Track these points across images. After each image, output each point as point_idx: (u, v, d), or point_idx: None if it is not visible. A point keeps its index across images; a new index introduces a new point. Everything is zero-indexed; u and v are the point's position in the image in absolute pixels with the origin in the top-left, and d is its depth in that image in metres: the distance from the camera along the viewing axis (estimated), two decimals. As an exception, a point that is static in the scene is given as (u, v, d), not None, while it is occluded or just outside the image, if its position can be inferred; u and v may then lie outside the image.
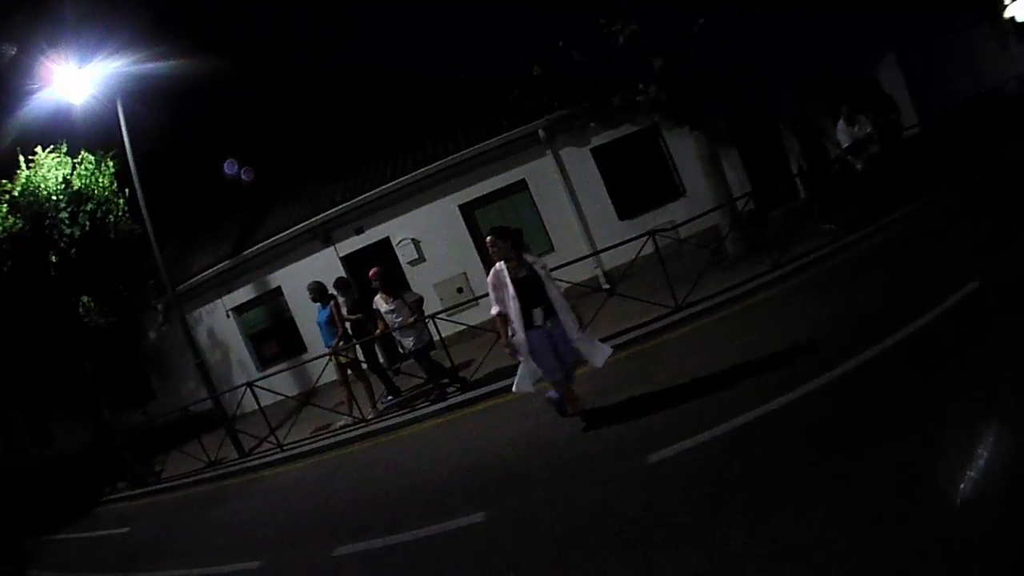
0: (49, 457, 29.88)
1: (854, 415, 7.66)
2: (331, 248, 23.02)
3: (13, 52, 22.37)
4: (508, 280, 9.51)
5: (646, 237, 15.06)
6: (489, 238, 9.74)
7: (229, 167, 26.96)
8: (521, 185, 21.22)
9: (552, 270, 14.52)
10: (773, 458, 7.26)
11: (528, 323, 9.50)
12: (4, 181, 21.17)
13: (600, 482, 8.16)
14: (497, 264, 9.72)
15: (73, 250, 21.14)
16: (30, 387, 30.96)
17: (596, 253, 18.20)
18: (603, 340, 12.61)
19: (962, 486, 5.94)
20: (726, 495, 6.85)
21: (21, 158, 20.93)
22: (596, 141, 20.41)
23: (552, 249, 20.81)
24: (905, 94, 18.87)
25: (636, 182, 20.55)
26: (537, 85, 18.73)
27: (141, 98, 19.88)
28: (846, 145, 16.46)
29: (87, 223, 21.25)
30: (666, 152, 20.30)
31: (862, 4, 17.39)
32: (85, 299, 21.81)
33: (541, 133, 20.10)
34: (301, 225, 22.76)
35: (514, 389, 9.80)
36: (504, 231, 9.83)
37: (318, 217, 22.50)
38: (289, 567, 9.97)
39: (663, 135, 20.04)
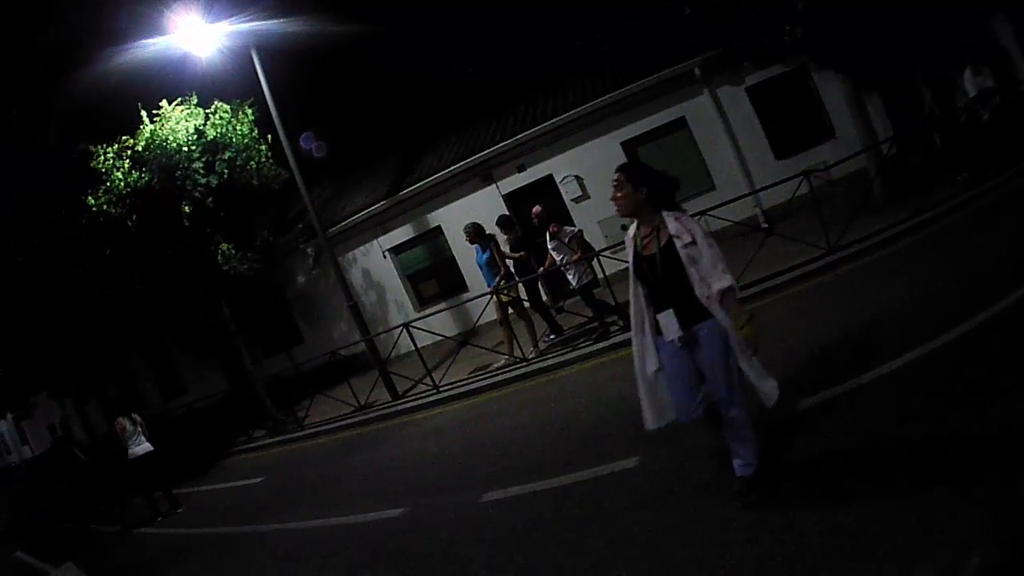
0: (180, 410, 32.12)
1: (990, 366, 7.81)
2: (493, 186, 23.84)
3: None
4: (631, 256, 6.80)
5: (800, 178, 15.76)
6: (616, 176, 6.67)
7: (306, 141, 27.47)
8: (681, 123, 21.69)
9: (713, 208, 15.88)
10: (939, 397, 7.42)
11: (656, 331, 6.80)
12: (126, 137, 22.00)
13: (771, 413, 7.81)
14: (631, 227, 6.91)
15: (210, 199, 21.98)
16: (157, 340, 34.08)
17: (754, 192, 18.76)
18: (762, 280, 14.38)
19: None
20: (885, 441, 6.98)
21: (143, 113, 21.73)
22: (750, 80, 20.90)
23: (713, 187, 21.33)
24: (1017, 49, 19.17)
25: (790, 122, 21.03)
26: (689, 24, 19.26)
27: (276, 50, 20.92)
28: (973, 95, 16.86)
29: (225, 171, 22.10)
30: (816, 94, 20.74)
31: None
32: (225, 246, 22.49)
33: (697, 71, 20.59)
34: (461, 164, 23.61)
35: (647, 425, 7.03)
36: (639, 171, 6.82)
37: (479, 155, 23.28)
38: (434, 514, 10.34)
39: (812, 77, 20.53)
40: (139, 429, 18.97)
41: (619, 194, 6.48)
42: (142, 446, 18.87)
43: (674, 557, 6.36)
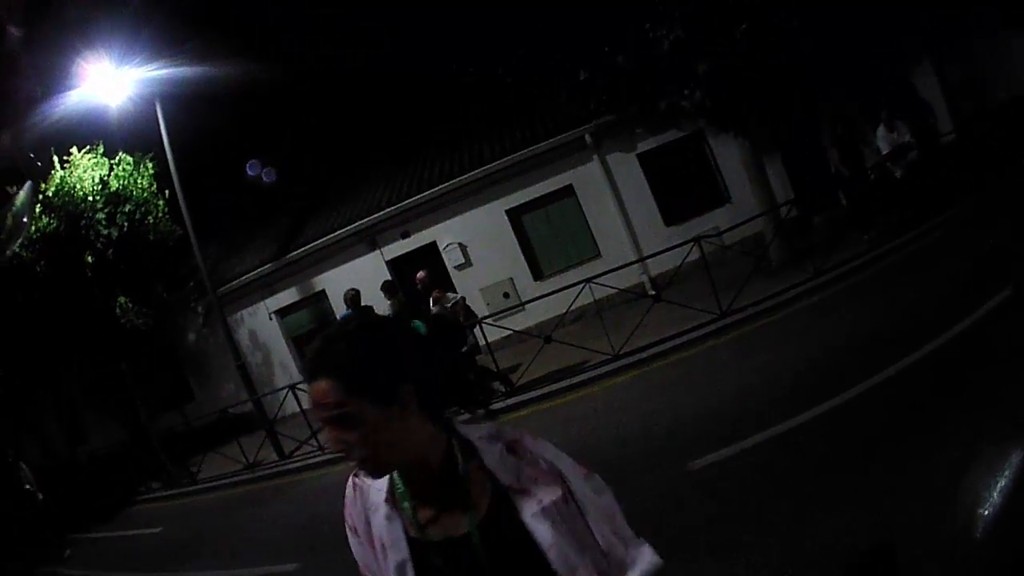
0: (82, 457, 31.38)
1: (889, 423, 7.95)
2: (377, 252, 23.61)
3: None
4: (385, 547, 2.60)
5: (691, 243, 15.51)
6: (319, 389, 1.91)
7: (252, 168, 27.61)
8: (568, 191, 21.58)
9: (598, 276, 16.01)
10: (812, 465, 7.55)
11: None
12: (38, 181, 21.72)
13: (642, 489, 8.24)
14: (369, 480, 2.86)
15: (110, 251, 21.83)
16: (65, 387, 31.68)
17: (642, 259, 18.78)
18: (649, 347, 14.13)
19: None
20: (764, 501, 7.14)
21: (55, 159, 21.72)
22: (642, 147, 20.69)
23: (599, 255, 21.17)
24: (941, 100, 19.16)
25: (682, 188, 20.86)
26: (583, 90, 19.32)
27: (179, 101, 20.59)
28: (885, 152, 16.73)
29: (125, 224, 21.96)
30: (711, 158, 20.64)
31: (896, 8, 17.52)
32: (122, 300, 22.31)
33: (588, 138, 20.43)
34: (346, 229, 23.43)
35: None
36: (365, 355, 2.36)
37: (364, 220, 23.13)
38: (328, 570, 10.01)
39: (708, 141, 20.37)
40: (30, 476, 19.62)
41: (339, 434, 2.28)
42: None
43: None
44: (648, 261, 18.95)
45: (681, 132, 20.27)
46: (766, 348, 12.53)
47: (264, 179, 25.05)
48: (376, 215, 22.96)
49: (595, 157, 20.82)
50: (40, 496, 20.07)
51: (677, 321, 14.83)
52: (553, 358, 15.93)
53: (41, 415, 36.84)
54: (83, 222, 21.65)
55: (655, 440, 9.89)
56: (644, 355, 14.15)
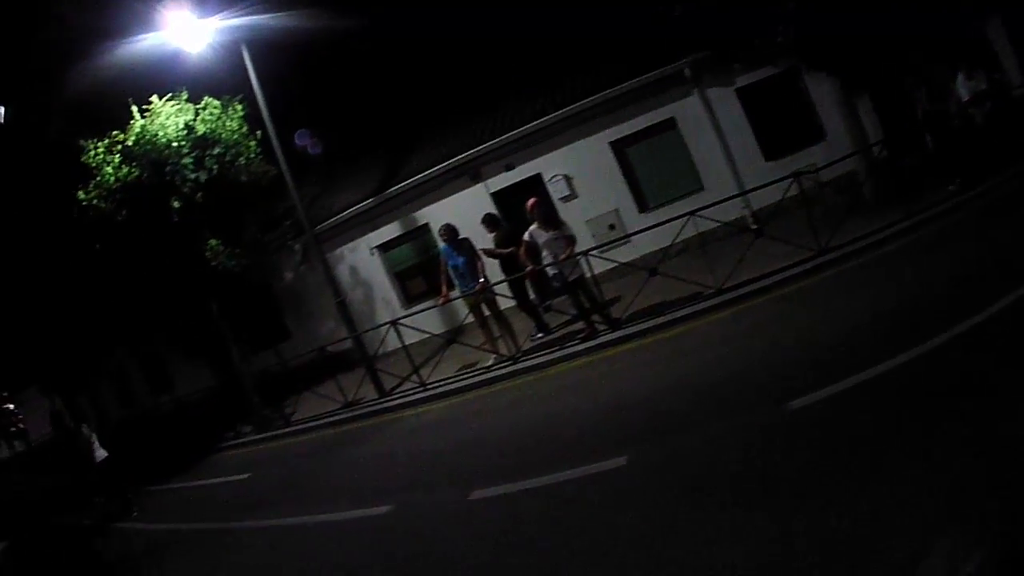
0: (167, 405, 32.56)
1: (984, 371, 7.83)
2: (481, 184, 23.95)
3: None
4: None
5: (790, 179, 15.81)
6: None
7: (301, 138, 27.06)
8: (670, 123, 21.75)
9: (701, 209, 16.13)
10: (907, 411, 7.42)
11: None
12: (116, 132, 21.91)
13: (741, 428, 8.47)
14: None
15: (199, 194, 21.88)
16: (149, 335, 33.71)
17: (743, 193, 18.72)
18: (751, 282, 14.45)
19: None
20: (859, 447, 7.06)
21: (134, 108, 21.65)
22: (741, 82, 20.91)
23: (702, 188, 21.39)
24: (1011, 55, 19.33)
25: (780, 124, 20.99)
26: (679, 24, 19.13)
27: (266, 45, 20.78)
28: (966, 98, 16.87)
29: (214, 167, 22.01)
30: (807, 95, 20.79)
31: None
32: (213, 242, 22.45)
33: (687, 72, 20.65)
34: (450, 162, 23.76)
35: None
36: None
37: (467, 154, 23.44)
38: (421, 512, 10.38)
39: (804, 78, 20.53)
40: (94, 436, 19.15)
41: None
42: (100, 452, 18.95)
43: (662, 557, 6.37)
44: (750, 195, 18.97)
45: (776, 68, 20.39)
46: (864, 287, 12.75)
47: (310, 151, 25.24)
48: (480, 147, 23.24)
49: (695, 91, 21.07)
50: (102, 454, 19.05)
51: (777, 257, 15.01)
52: (658, 291, 15.98)
53: (123, 366, 40.78)
54: (168, 168, 21.75)
55: (754, 378, 9.98)
56: (746, 290, 14.32)
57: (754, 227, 19.15)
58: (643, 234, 18.41)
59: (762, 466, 7.37)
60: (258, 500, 15.22)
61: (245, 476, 18.19)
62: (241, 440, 23.35)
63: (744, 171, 21.10)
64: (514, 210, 19.25)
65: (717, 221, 17.16)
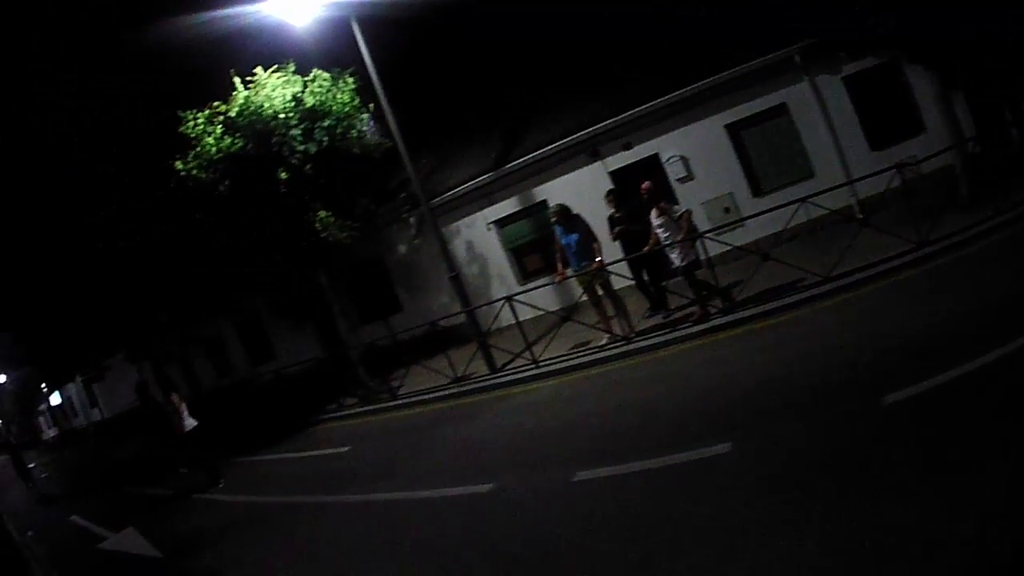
0: (267, 375, 32.86)
1: None
2: (599, 162, 24.51)
3: None
4: None
5: (893, 170, 16.20)
6: None
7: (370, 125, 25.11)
8: (782, 109, 22.20)
9: (813, 195, 16.55)
10: (1008, 407, 7.46)
11: None
12: (217, 103, 22.47)
13: (842, 419, 8.64)
14: None
15: (308, 166, 22.43)
16: (256, 303, 35.21)
17: (851, 182, 19.24)
18: (856, 271, 14.81)
19: None
20: (956, 442, 7.11)
21: (237, 80, 22.19)
22: (847, 70, 21.25)
23: (812, 175, 21.83)
24: None
25: (884, 114, 21.21)
26: (789, 10, 20.14)
27: (376, 17, 20.94)
28: None
29: (324, 139, 22.52)
30: (908, 87, 20.93)
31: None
32: (323, 214, 22.71)
33: (797, 58, 21.08)
34: (568, 139, 24.37)
35: None
36: None
37: (586, 131, 24.05)
38: (524, 492, 10.49)
39: (905, 70, 20.73)
40: (184, 405, 19.61)
41: None
42: (189, 421, 19.44)
43: (762, 548, 6.52)
44: (855, 184, 19.47)
45: (878, 59, 20.86)
46: (962, 281, 13.00)
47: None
48: (598, 125, 23.83)
49: (804, 78, 21.47)
50: (191, 424, 19.44)
51: (880, 248, 15.33)
52: (769, 276, 16.40)
53: (220, 335, 42.14)
54: (274, 139, 22.23)
55: (856, 369, 10.19)
56: (851, 280, 14.67)
57: (860, 216, 19.49)
58: (756, 219, 19.22)
59: (862, 459, 7.51)
60: (356, 474, 15.67)
61: (345, 449, 18.78)
62: (344, 413, 23.92)
63: (851, 160, 21.36)
64: (633, 189, 18.43)
65: (826, 208, 17.56)
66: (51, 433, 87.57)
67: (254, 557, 12.63)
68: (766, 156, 23.17)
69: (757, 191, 23.14)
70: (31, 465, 36.89)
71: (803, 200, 16.51)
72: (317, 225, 22.73)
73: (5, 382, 75.68)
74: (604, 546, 7.74)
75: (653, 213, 16.72)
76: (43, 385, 75.06)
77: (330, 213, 22.88)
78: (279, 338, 36.86)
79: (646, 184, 17.35)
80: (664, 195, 18.20)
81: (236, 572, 12.11)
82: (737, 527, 7.01)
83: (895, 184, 16.75)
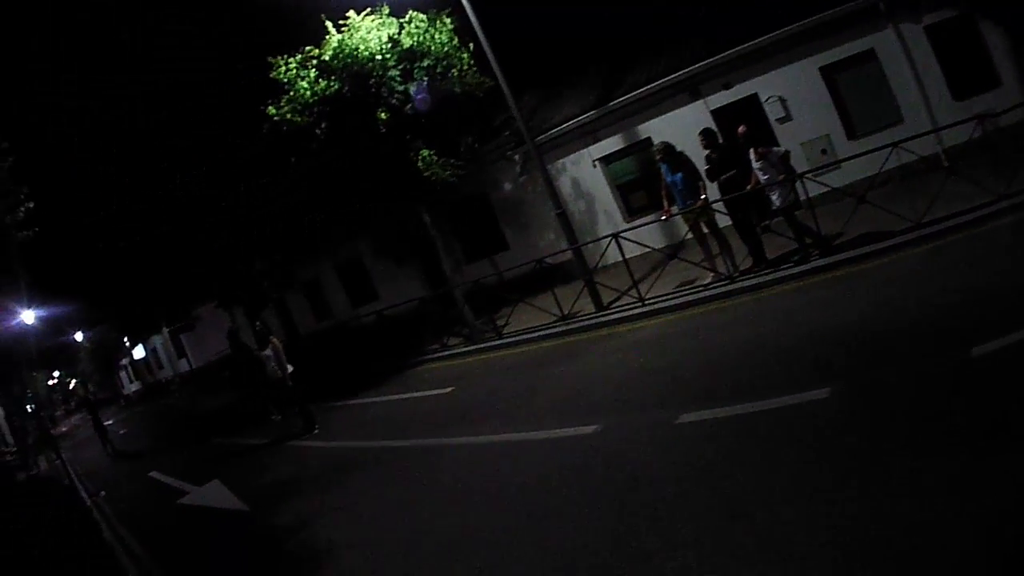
0: (370, 316, 33.45)
1: None
2: (700, 101, 25.52)
3: None
4: None
5: (975, 120, 17.12)
6: None
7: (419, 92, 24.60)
8: (871, 55, 22.79)
9: (903, 141, 16.85)
10: None
11: None
12: (310, 47, 23.51)
13: (935, 367, 8.74)
14: None
15: (408, 106, 23.18)
16: (358, 244, 36.66)
17: (937, 130, 19.43)
18: (943, 219, 15.14)
19: None
20: None
21: (329, 24, 22.89)
22: (928, 20, 21.77)
23: (901, 120, 22.49)
24: None
25: (963, 65, 21.76)
26: None
27: None
28: None
29: (424, 79, 23.23)
30: (983, 41, 21.38)
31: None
32: (425, 153, 23.35)
33: (881, 5, 21.72)
34: (670, 77, 25.45)
35: None
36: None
37: (686, 71, 25.12)
38: (629, 433, 10.62)
39: (979, 24, 21.23)
40: (281, 351, 20.13)
41: None
42: (288, 366, 20.04)
43: (857, 502, 6.59)
44: (941, 133, 19.82)
45: (954, 11, 21.39)
46: None
47: (418, 107, 23.94)
48: (698, 65, 24.83)
49: (889, 25, 22.09)
50: (287, 369, 19.90)
51: (965, 197, 15.59)
52: (863, 220, 16.71)
53: (318, 278, 43.98)
54: (372, 81, 22.94)
55: (945, 320, 10.37)
56: (941, 227, 14.97)
57: (946, 164, 19.75)
58: (850, 162, 19.34)
59: (956, 410, 7.60)
60: (460, 416, 15.98)
61: (448, 390, 19.09)
62: (448, 353, 24.75)
63: (936, 108, 21.87)
64: (732, 128, 19.64)
65: (915, 154, 18.31)
66: (133, 388, 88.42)
67: (349, 506, 12.88)
68: (858, 100, 23.62)
69: (851, 134, 23.67)
70: (109, 422, 38.23)
71: (895, 145, 16.81)
72: (420, 164, 23.46)
73: (83, 340, 76.41)
74: (705, 493, 7.95)
75: (752, 155, 17.28)
76: (124, 340, 75.89)
77: (433, 152, 23.65)
78: (381, 279, 38.49)
79: (742, 128, 18.28)
80: (761, 138, 18.81)
81: (327, 524, 12.29)
82: (837, 477, 7.19)
83: (976, 135, 17.86)
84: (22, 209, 20.60)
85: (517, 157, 29.18)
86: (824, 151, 23.71)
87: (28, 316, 34.37)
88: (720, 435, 9.30)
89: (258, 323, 22.27)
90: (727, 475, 8.13)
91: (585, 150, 28.62)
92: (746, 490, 7.62)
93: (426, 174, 23.55)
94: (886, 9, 21.99)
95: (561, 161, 29.06)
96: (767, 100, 24.50)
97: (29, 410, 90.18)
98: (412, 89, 23.21)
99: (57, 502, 24.19)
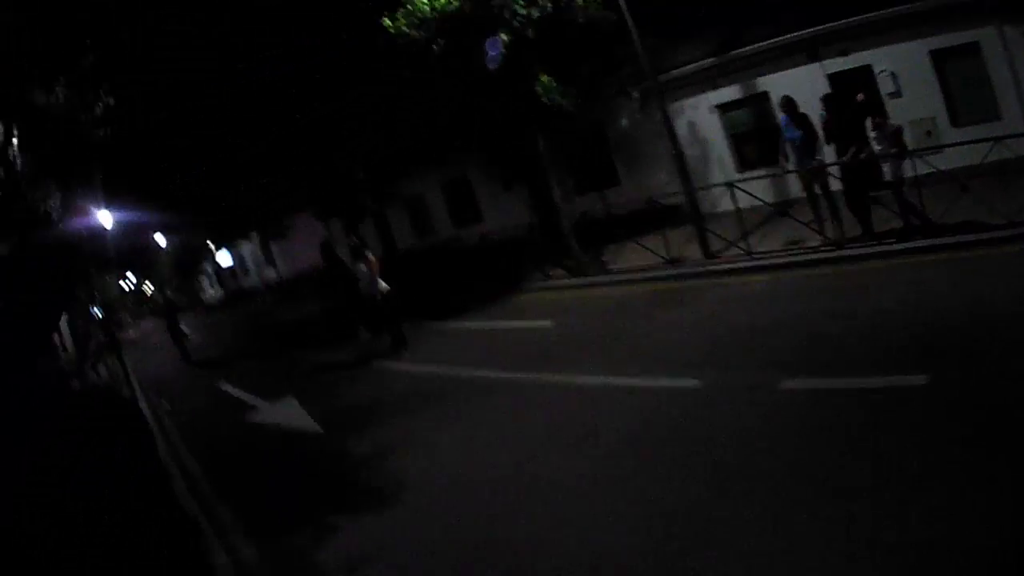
0: (473, 238, 36.25)
1: None
2: (817, 64, 26.14)
3: None
4: None
5: None
6: None
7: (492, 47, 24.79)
8: (976, 48, 23.31)
9: (1008, 137, 17.61)
10: None
11: None
12: None
13: None
14: None
15: (530, 30, 22.94)
16: (467, 163, 37.45)
17: None
18: None
19: None
20: None
21: None
22: None
23: (1000, 118, 22.85)
24: None
25: None
26: None
27: None
28: None
29: (548, 5, 22.99)
30: None
31: None
32: (544, 79, 23.68)
33: (986, 3, 22.05)
34: (789, 36, 26.05)
35: None
36: None
37: (803, 32, 25.75)
38: (729, 394, 10.87)
39: None
40: (376, 266, 20.75)
41: None
42: (379, 284, 20.66)
43: (948, 495, 6.93)
44: None
45: None
46: None
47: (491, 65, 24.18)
48: (817, 27, 25.40)
49: (993, 23, 22.55)
50: (382, 287, 20.57)
51: None
52: (962, 207, 17.09)
53: (422, 195, 45.00)
54: (494, 1, 22.97)
55: None
56: None
57: None
58: (952, 149, 19.46)
59: None
60: (556, 352, 16.32)
61: (547, 323, 19.62)
62: (550, 284, 25.73)
63: None
64: (847, 96, 19.95)
65: (1013, 152, 18.20)
66: (216, 294, 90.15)
67: (429, 437, 13.19)
68: (962, 89, 24.17)
69: (955, 121, 24.17)
70: (186, 329, 39.93)
71: (1000, 139, 17.55)
72: (538, 88, 23.95)
73: (165, 244, 76.36)
74: (806, 466, 8.16)
75: (868, 124, 17.85)
76: (209, 245, 75.63)
77: (552, 79, 24.03)
78: (488, 201, 39.93)
79: (861, 96, 18.86)
80: (877, 108, 19.68)
81: (404, 457, 12.55)
82: (931, 468, 7.43)
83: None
84: (100, 105, 19.46)
85: (636, 94, 28.87)
86: (929, 133, 24.11)
87: (105, 217, 34.32)
88: (821, 409, 9.63)
89: (354, 237, 23.67)
90: (828, 453, 8.45)
91: (703, 96, 29.44)
92: (849, 472, 7.94)
93: (543, 99, 24.02)
94: (988, 8, 22.43)
95: (679, 103, 29.69)
96: (880, 73, 25.06)
97: (98, 314, 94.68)
98: (535, 13, 23.05)
99: (110, 415, 24.08)
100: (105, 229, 35.53)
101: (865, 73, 25.19)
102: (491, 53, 23.87)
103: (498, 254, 32.03)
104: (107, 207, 34.06)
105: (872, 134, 17.89)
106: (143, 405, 25.14)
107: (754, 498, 7.85)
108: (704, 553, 7.28)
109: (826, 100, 19.37)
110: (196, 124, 36.66)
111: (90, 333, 55.92)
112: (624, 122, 32.14)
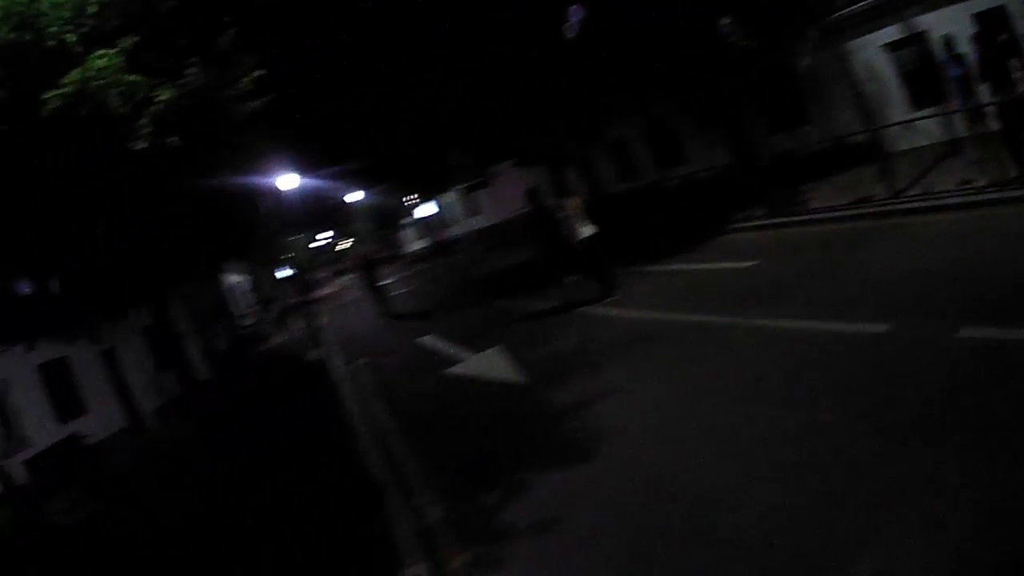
0: (675, 180, 34.57)
1: None
2: (962, 3, 23.70)
3: None
4: None
5: None
6: None
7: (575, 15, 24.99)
8: None
9: None
10: None
11: None
12: None
13: None
14: None
15: None
16: (667, 104, 35.27)
17: None
18: None
19: None
20: None
21: None
22: None
23: None
24: None
25: None
26: None
27: None
28: None
29: None
30: None
31: None
32: (725, 20, 23.04)
33: None
34: None
35: None
36: None
37: None
38: (913, 339, 10.00)
39: None
40: (582, 211, 19.77)
41: None
42: (585, 228, 19.57)
43: None
44: None
45: None
46: None
47: (570, 33, 24.02)
48: None
49: None
50: (588, 231, 19.50)
51: None
52: None
53: (624, 137, 43.49)
54: None
55: None
56: None
57: None
58: None
59: None
60: (760, 293, 15.42)
61: (751, 264, 18.53)
62: (751, 224, 24.13)
63: None
64: (992, 33, 18.62)
65: None
66: (417, 246, 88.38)
67: (630, 387, 12.49)
68: None
69: None
70: (386, 281, 38.99)
71: None
72: (723, 31, 23.40)
73: (363, 199, 75.22)
74: (983, 416, 7.36)
75: (1014, 63, 17.07)
76: (412, 197, 75.71)
77: (734, 20, 23.54)
78: (689, 143, 38.20)
79: (1003, 35, 18.03)
80: (1019, 49, 18.61)
81: (605, 407, 11.90)
82: None
83: None
84: (244, 80, 19.88)
85: (810, 32, 27.17)
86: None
87: (287, 181, 34.49)
88: (999, 361, 8.48)
89: (532, 181, 22.97)
90: (1005, 408, 7.38)
91: (872, 35, 27.56)
92: (1011, 421, 7.06)
93: (729, 40, 23.58)
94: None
95: (853, 43, 28.22)
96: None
97: (289, 273, 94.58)
98: None
99: (292, 378, 26.25)
100: (282, 192, 35.81)
101: (1001, 13, 22.69)
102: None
103: (700, 194, 30.69)
104: (297, 171, 35.63)
105: (1019, 74, 17.05)
106: (333, 363, 24.98)
107: (944, 451, 7.09)
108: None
109: (976, 38, 18.72)
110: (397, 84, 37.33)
111: (273, 296, 55.43)
112: (808, 62, 29.09)
